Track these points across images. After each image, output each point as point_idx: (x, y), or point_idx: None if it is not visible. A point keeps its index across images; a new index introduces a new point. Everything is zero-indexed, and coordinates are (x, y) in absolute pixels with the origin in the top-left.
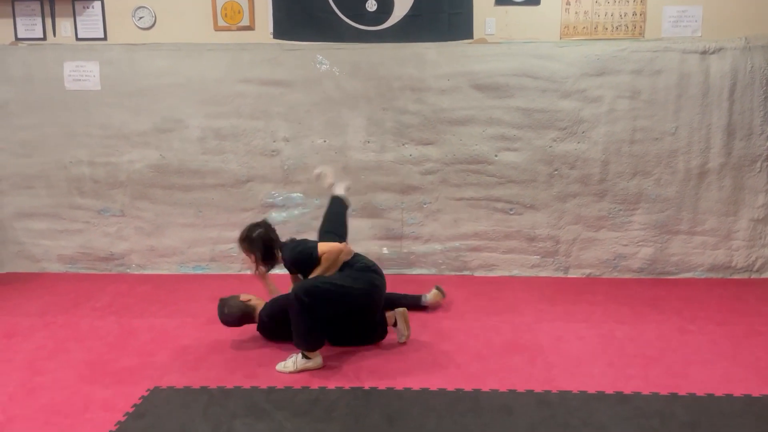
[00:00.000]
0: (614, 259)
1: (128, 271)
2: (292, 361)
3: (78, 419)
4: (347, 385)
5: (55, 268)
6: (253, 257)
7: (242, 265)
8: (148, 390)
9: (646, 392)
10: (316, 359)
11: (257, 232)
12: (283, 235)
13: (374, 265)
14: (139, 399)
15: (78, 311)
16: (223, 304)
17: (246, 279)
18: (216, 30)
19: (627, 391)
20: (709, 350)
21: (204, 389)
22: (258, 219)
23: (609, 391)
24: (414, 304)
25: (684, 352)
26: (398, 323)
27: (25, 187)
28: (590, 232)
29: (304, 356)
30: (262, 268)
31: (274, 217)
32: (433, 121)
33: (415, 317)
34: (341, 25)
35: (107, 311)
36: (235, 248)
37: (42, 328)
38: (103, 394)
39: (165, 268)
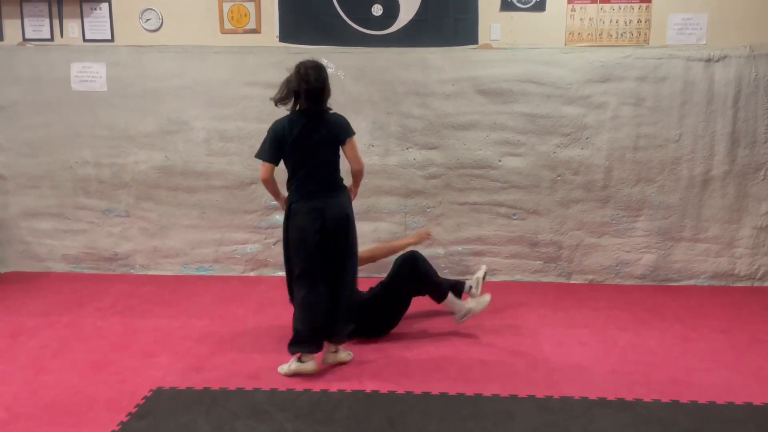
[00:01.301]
0: (617, 266)
1: (132, 271)
2: (287, 364)
3: (81, 418)
4: (349, 388)
5: (60, 267)
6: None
7: (245, 266)
8: (151, 390)
9: (647, 399)
10: (308, 364)
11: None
12: None
13: (316, 202)
14: (142, 399)
15: (82, 311)
16: None
17: (249, 281)
18: (222, 33)
19: (629, 397)
20: (711, 358)
21: (206, 390)
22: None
23: (611, 397)
24: (456, 289)
25: (686, 360)
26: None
27: (30, 186)
28: (593, 238)
29: (298, 359)
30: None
31: (278, 219)
32: (437, 125)
33: (418, 320)
34: (347, 29)
35: (111, 311)
36: (238, 250)
37: (46, 328)
38: (107, 394)
39: (168, 269)
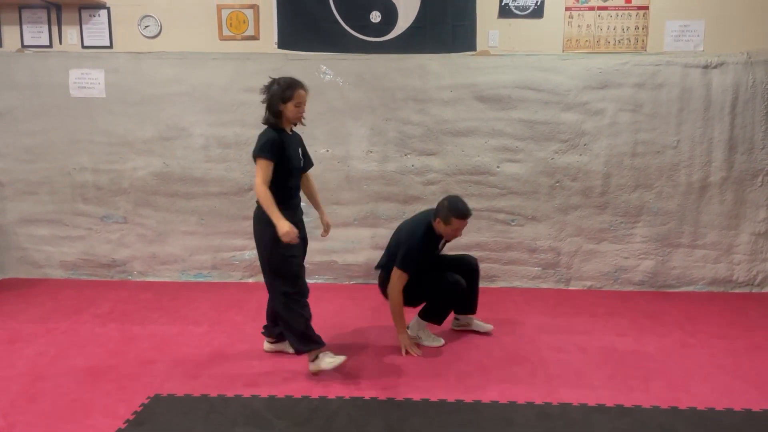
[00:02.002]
0: (615, 272)
1: (130, 278)
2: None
3: (79, 426)
4: (347, 395)
5: (57, 274)
6: None
7: (243, 273)
8: (149, 397)
9: (646, 405)
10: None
11: None
12: None
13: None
14: (140, 406)
15: (79, 318)
16: None
17: (248, 288)
18: (221, 39)
19: (628, 404)
20: (709, 364)
21: (204, 397)
22: None
23: (609, 404)
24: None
25: (685, 366)
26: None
27: (28, 193)
28: (591, 244)
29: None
30: None
31: None
32: (436, 131)
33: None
34: (345, 35)
35: (108, 318)
36: (236, 256)
37: (44, 335)
38: (104, 401)
39: (166, 276)
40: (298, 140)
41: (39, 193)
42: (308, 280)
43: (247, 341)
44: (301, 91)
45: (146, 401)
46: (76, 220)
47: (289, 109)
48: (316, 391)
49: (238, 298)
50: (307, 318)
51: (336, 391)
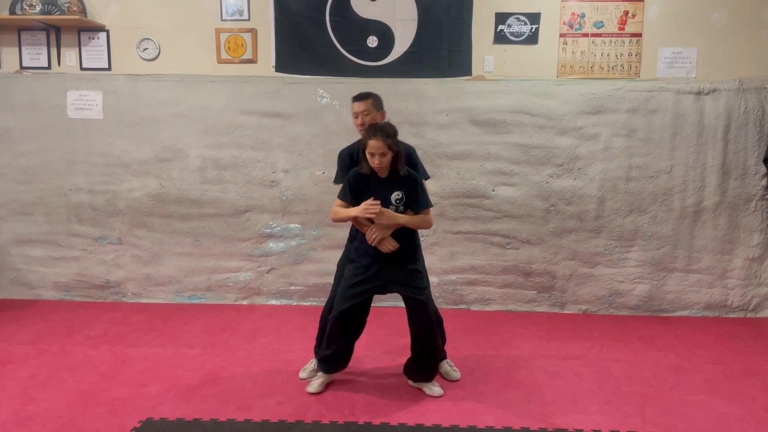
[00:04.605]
0: (610, 296)
1: (124, 299)
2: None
3: None
4: (341, 420)
5: (51, 295)
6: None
7: (238, 295)
8: (141, 421)
9: None
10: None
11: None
12: None
13: None
14: (132, 430)
15: (72, 339)
16: None
17: (242, 310)
18: (219, 62)
19: (623, 429)
20: (705, 389)
21: (197, 421)
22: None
23: (605, 429)
24: None
25: (680, 391)
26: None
27: (23, 213)
28: (586, 268)
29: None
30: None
31: (272, 247)
32: (432, 155)
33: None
34: (342, 60)
35: (101, 340)
36: (231, 278)
37: (36, 356)
38: (96, 425)
39: (161, 297)
40: (400, 183)
41: (34, 213)
42: (303, 303)
43: (240, 364)
44: (370, 142)
45: (138, 425)
46: (70, 241)
47: (366, 158)
48: (309, 415)
49: (232, 320)
50: (327, 336)
51: (330, 415)
